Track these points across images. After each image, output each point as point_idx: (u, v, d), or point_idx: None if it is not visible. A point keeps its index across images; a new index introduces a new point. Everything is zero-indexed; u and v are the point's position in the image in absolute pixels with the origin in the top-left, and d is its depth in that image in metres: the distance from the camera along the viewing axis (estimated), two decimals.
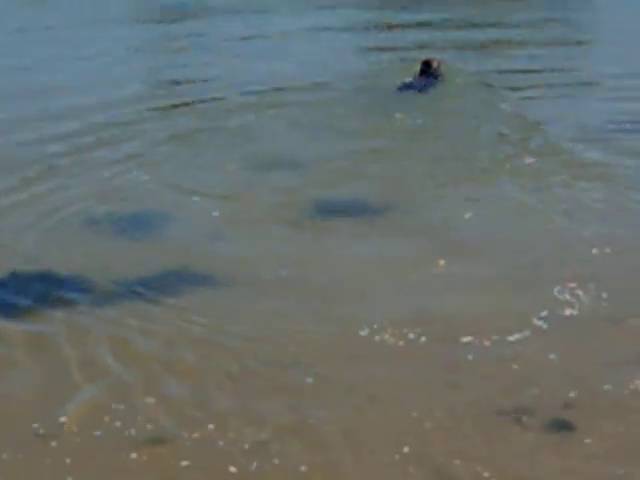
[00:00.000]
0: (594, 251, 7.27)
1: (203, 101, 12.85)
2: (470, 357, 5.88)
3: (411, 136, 10.73)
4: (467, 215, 8.09)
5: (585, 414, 5.21)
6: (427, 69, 12.83)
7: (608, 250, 7.29)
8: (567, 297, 6.54)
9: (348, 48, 17.10)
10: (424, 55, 13.72)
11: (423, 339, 6.08)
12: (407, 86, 12.64)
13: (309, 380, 5.68)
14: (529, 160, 9.52)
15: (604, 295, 6.54)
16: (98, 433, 5.21)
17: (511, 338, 6.05)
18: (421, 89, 12.54)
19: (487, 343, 6.00)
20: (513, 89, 12.96)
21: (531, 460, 4.89)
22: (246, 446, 5.07)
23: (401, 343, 6.05)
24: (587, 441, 4.99)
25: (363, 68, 14.99)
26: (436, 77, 12.75)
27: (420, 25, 19.15)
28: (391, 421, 5.29)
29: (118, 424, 5.28)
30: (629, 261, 7.17)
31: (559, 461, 4.87)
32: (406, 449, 5.01)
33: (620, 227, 7.83)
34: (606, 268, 6.98)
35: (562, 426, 5.08)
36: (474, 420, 5.24)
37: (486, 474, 4.78)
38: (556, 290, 6.63)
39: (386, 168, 9.47)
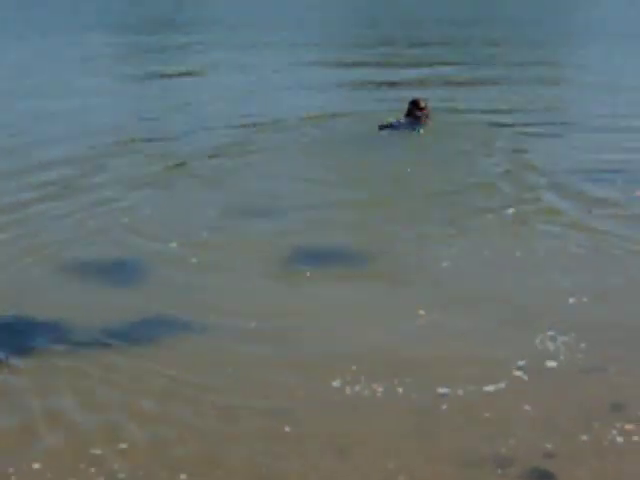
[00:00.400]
0: (571, 300, 7.23)
1: (174, 139, 12.87)
2: (445, 407, 5.80)
3: (393, 181, 10.76)
4: (445, 264, 8.03)
5: (565, 464, 5.14)
6: (415, 109, 12.87)
7: (585, 299, 7.25)
8: (545, 347, 6.48)
9: (329, 87, 17.15)
10: (407, 93, 13.89)
11: (399, 389, 5.99)
12: (393, 126, 12.70)
13: (282, 430, 5.59)
14: (508, 207, 9.53)
15: (582, 345, 6.49)
16: None
17: (488, 388, 5.97)
18: (409, 129, 12.62)
19: (463, 393, 5.91)
20: (496, 128, 13.19)
21: None
22: None
23: (376, 393, 5.96)
24: None
25: (347, 108, 15.08)
26: (422, 117, 12.82)
27: (405, 64, 19.37)
28: (365, 473, 5.19)
29: (93, 470, 5.19)
30: (606, 310, 7.12)
31: None
32: None
33: (596, 276, 7.79)
34: (584, 318, 6.93)
35: (542, 476, 5.02)
36: (451, 471, 5.16)
37: None
38: (534, 340, 6.57)
39: (365, 216, 9.44)
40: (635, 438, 5.37)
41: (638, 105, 15.27)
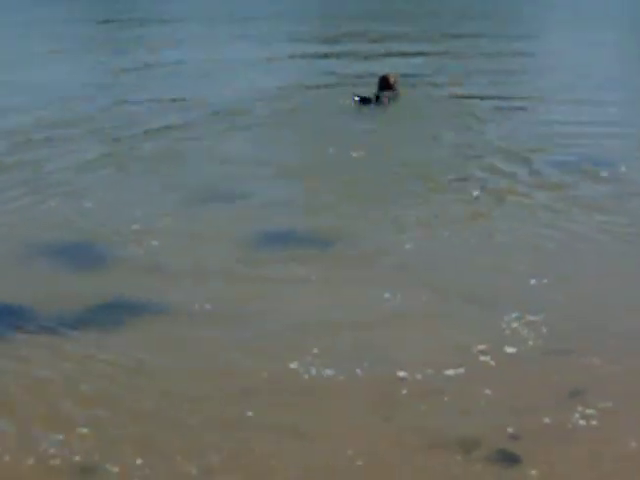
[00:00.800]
0: (533, 282, 7.22)
1: (125, 119, 12.75)
2: (405, 391, 5.75)
3: (356, 159, 10.72)
4: (408, 246, 7.96)
5: (530, 446, 5.11)
6: (384, 84, 13.06)
7: (546, 281, 7.24)
8: (507, 330, 6.44)
9: (289, 64, 17.21)
10: (373, 68, 14.10)
11: (360, 373, 5.94)
12: (364, 100, 12.84)
13: (244, 414, 5.50)
14: (472, 187, 9.51)
15: (544, 328, 6.45)
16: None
17: (449, 372, 5.93)
18: (378, 104, 12.76)
19: (423, 377, 5.87)
20: (463, 102, 13.30)
21: None
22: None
23: (337, 376, 5.90)
24: (533, 472, 4.90)
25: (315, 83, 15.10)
26: (393, 92, 13.04)
27: (370, 39, 19.35)
28: (327, 457, 5.12)
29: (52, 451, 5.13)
30: (568, 292, 7.10)
31: None
32: None
33: (557, 258, 7.79)
34: (546, 300, 6.90)
35: (509, 458, 4.98)
36: (416, 454, 5.11)
37: None
38: (495, 323, 6.54)
39: (328, 196, 9.36)
40: (596, 421, 5.35)
41: (591, 81, 15.43)
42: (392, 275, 7.41)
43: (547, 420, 5.36)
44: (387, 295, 6.97)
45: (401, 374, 5.87)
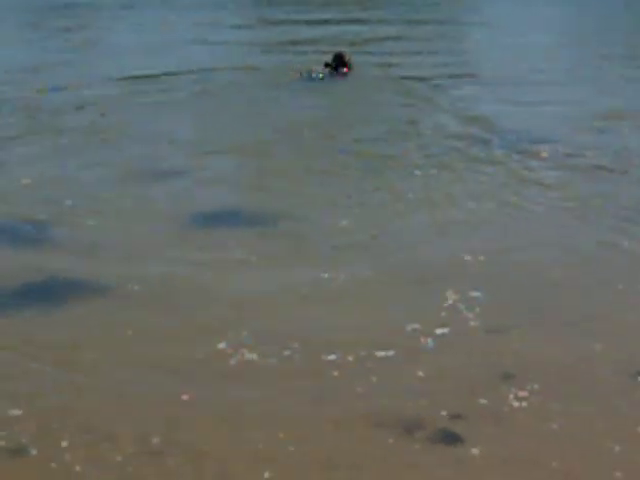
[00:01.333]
0: (468, 258, 7.15)
1: (56, 94, 12.66)
2: (336, 373, 5.61)
3: (299, 136, 10.66)
4: (347, 225, 7.84)
5: (470, 426, 5.03)
6: (339, 61, 13.36)
7: (482, 257, 7.17)
8: (442, 309, 6.35)
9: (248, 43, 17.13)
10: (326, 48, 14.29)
11: (289, 354, 5.79)
12: (317, 77, 13.15)
13: (177, 398, 5.32)
14: (412, 165, 9.51)
15: (479, 307, 6.37)
16: None
17: (380, 353, 5.79)
18: (331, 79, 13.11)
19: (357, 358, 5.73)
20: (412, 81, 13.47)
21: (420, 472, 4.71)
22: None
23: (267, 359, 5.74)
24: (475, 452, 4.83)
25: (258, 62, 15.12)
26: (346, 69, 13.37)
27: (318, 21, 19.33)
28: (253, 443, 4.95)
29: None
30: (505, 269, 7.04)
31: (449, 472, 4.70)
32: (267, 474, 4.68)
33: (493, 235, 7.75)
34: (482, 278, 6.82)
35: (450, 437, 4.92)
36: (353, 436, 4.99)
37: None
38: (431, 302, 6.45)
39: (266, 172, 9.26)
40: (535, 400, 5.29)
41: (531, 61, 15.60)
42: (330, 255, 7.29)
43: (483, 401, 5.27)
44: (325, 275, 6.85)
45: (332, 357, 5.73)
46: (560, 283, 6.80)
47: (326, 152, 10.01)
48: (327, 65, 13.42)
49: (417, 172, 9.26)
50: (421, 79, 13.81)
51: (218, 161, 9.66)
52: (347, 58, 13.51)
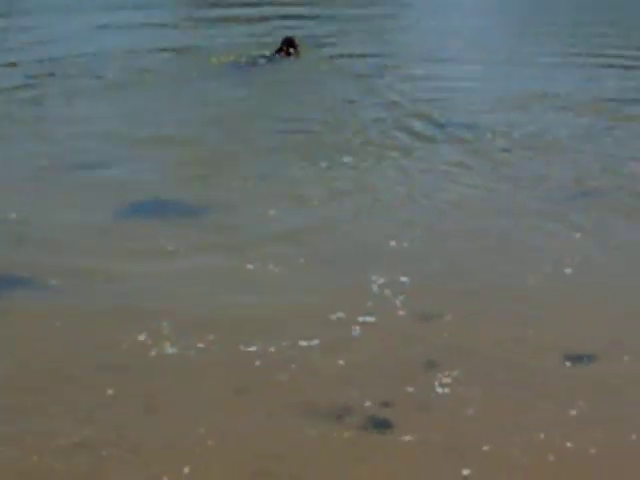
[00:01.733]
0: (392, 243, 7.06)
1: None
2: (259, 363, 5.47)
3: (233, 122, 10.49)
4: (275, 215, 7.70)
5: (399, 413, 4.96)
6: (286, 45, 13.65)
7: (406, 244, 7.08)
8: (369, 296, 6.24)
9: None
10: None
11: (209, 346, 5.63)
12: (264, 59, 13.47)
13: (104, 392, 5.14)
14: (343, 150, 9.39)
15: (404, 293, 6.27)
16: None
17: (303, 343, 5.66)
18: (276, 62, 13.40)
19: (279, 348, 5.60)
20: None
21: (351, 459, 4.63)
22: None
23: (188, 350, 5.58)
24: (406, 438, 4.77)
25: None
26: (292, 53, 13.68)
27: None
28: (172, 437, 4.81)
29: None
30: (430, 256, 6.95)
31: (380, 459, 4.63)
32: (186, 470, 4.53)
33: (417, 219, 7.67)
34: (408, 264, 6.72)
35: (380, 424, 4.87)
36: (283, 426, 4.89)
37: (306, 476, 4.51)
38: (358, 289, 6.34)
39: (197, 165, 8.99)
40: (461, 386, 5.22)
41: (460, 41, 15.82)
42: (257, 244, 7.14)
43: (410, 388, 5.19)
44: (251, 266, 6.71)
45: (253, 347, 5.60)
46: (489, 268, 6.77)
47: (259, 139, 9.85)
48: (278, 50, 13.72)
49: (347, 159, 9.14)
50: (361, 62, 13.82)
51: (148, 151, 9.40)
52: (296, 42, 13.75)
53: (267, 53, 13.66)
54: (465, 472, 4.50)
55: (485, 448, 4.67)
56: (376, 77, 12.74)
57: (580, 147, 9.57)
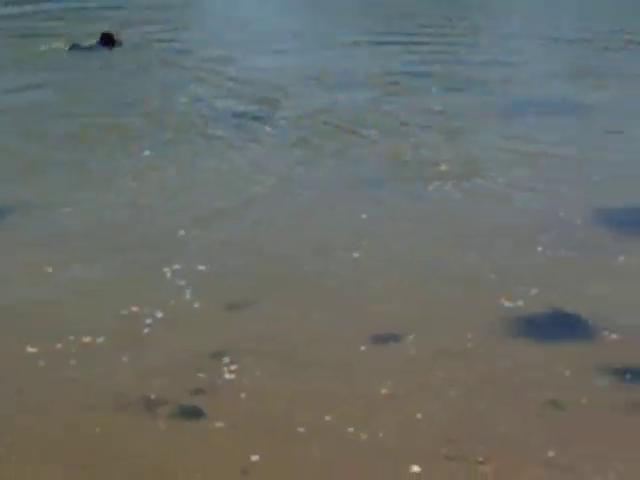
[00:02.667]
0: (181, 233, 7.03)
1: None
2: (42, 363, 5.34)
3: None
4: (68, 209, 7.56)
5: (212, 400, 4.97)
6: (105, 38, 14.31)
7: (196, 232, 7.06)
8: (163, 288, 6.16)
9: None
10: None
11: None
12: (84, 48, 13.94)
13: None
14: (140, 149, 9.19)
15: (201, 284, 6.24)
16: None
17: (87, 339, 5.55)
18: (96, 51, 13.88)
19: (63, 347, 5.47)
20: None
21: (165, 447, 4.60)
22: None
23: None
24: (218, 425, 4.77)
25: None
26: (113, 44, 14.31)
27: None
28: None
29: None
30: (222, 245, 6.91)
31: (195, 445, 4.61)
32: None
33: (204, 211, 7.59)
34: (200, 254, 6.69)
35: (192, 412, 4.87)
36: (92, 419, 4.80)
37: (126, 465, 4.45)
38: (152, 282, 6.28)
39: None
40: (240, 375, 5.21)
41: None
42: (54, 244, 6.94)
43: (203, 375, 5.17)
44: (49, 269, 6.51)
45: (32, 349, 5.46)
46: (288, 255, 6.78)
47: (59, 135, 9.64)
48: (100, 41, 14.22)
49: (147, 152, 9.06)
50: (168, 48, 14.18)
51: None
52: (115, 37, 14.34)
53: (88, 44, 14.05)
54: (254, 458, 4.49)
55: (296, 427, 4.70)
56: (185, 63, 13.00)
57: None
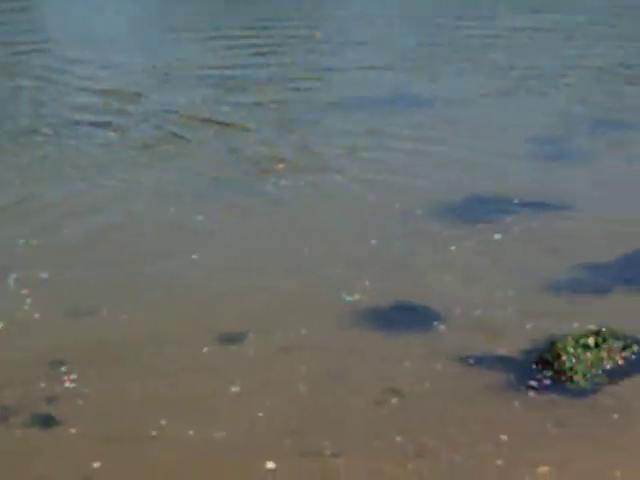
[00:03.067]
0: (21, 241, 6.95)
1: None
2: None
3: None
4: None
5: (62, 408, 4.97)
6: None
7: (35, 242, 6.94)
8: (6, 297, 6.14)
9: None
10: None
11: None
12: None
13: None
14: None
15: (46, 293, 6.19)
16: None
17: None
18: None
19: None
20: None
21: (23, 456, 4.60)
22: None
23: None
24: (73, 431, 4.78)
25: None
26: None
27: None
28: None
29: None
30: (62, 253, 6.86)
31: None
32: None
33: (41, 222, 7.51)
34: (42, 263, 6.61)
35: (45, 420, 4.88)
36: None
37: None
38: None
39: None
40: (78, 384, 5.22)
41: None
42: None
43: (44, 384, 5.16)
44: None
45: None
46: (126, 259, 6.80)
47: None
48: None
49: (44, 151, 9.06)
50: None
51: None
52: None
53: None
54: (96, 465, 4.50)
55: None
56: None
57: None
